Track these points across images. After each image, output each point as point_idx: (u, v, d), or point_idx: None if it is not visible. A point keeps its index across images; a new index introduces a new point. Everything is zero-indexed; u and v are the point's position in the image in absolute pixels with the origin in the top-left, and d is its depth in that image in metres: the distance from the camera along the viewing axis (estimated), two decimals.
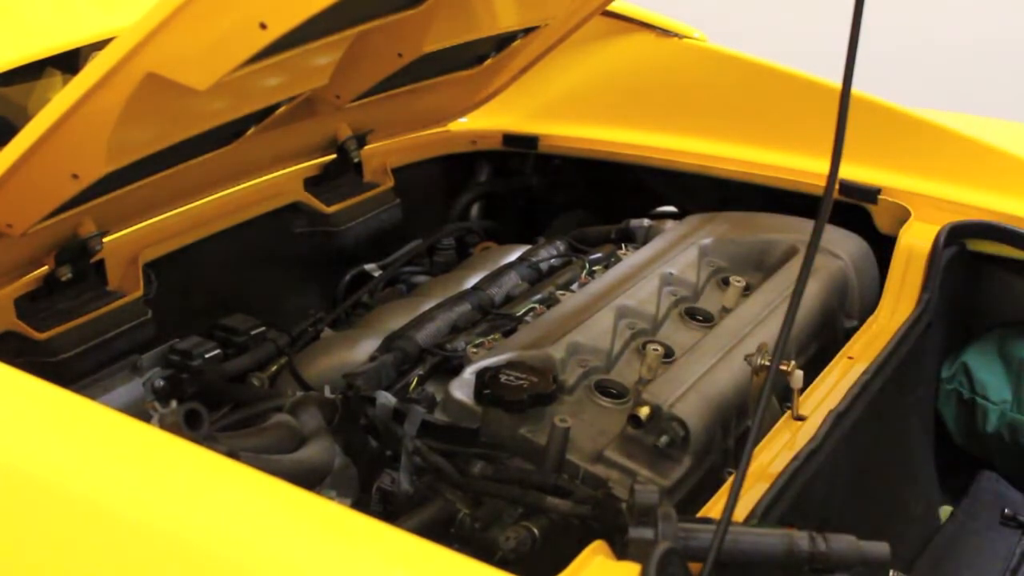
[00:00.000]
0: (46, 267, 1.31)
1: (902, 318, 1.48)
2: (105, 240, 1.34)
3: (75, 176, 1.16)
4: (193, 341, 1.43)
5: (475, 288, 1.60)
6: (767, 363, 1.25)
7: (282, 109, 1.43)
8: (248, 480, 0.89)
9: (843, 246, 1.61)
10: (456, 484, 1.17)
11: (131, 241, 1.42)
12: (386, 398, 1.26)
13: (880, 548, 0.95)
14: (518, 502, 1.12)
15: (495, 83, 1.84)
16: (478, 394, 1.24)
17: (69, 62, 1.57)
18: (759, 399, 1.12)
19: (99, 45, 1.43)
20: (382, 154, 1.80)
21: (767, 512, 1.06)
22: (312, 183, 1.69)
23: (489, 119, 1.97)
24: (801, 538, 0.93)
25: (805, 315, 1.47)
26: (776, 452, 1.19)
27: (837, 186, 1.03)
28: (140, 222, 1.44)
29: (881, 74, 1.95)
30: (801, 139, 1.76)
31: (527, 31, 1.69)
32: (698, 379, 1.28)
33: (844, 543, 0.94)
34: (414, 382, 1.36)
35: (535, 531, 1.08)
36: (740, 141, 1.84)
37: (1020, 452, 1.62)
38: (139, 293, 1.40)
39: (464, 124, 1.98)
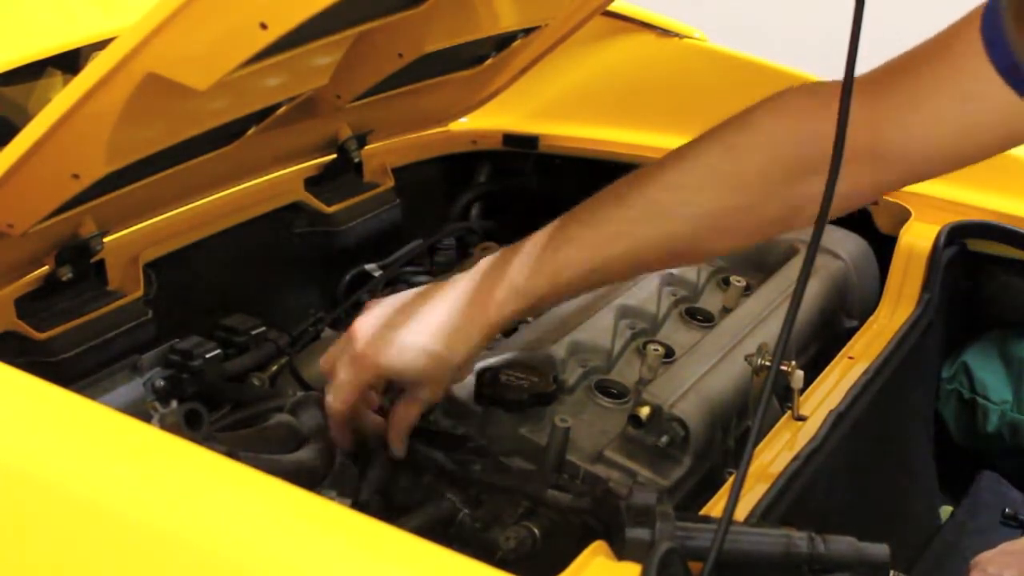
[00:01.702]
0: (46, 267, 1.30)
1: (902, 318, 1.48)
2: (105, 240, 1.34)
3: (75, 176, 1.16)
4: (193, 341, 1.42)
5: None
6: (767, 363, 1.25)
7: (282, 109, 1.43)
8: (248, 480, 0.89)
9: (843, 246, 1.61)
10: (453, 480, 1.17)
11: (131, 241, 1.42)
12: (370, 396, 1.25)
13: (880, 550, 0.95)
14: (517, 493, 1.12)
15: (495, 83, 1.84)
16: (478, 394, 1.24)
17: (69, 62, 1.57)
18: (759, 399, 1.12)
19: (99, 45, 1.43)
20: (382, 154, 1.80)
21: (767, 512, 1.06)
22: (312, 183, 1.69)
23: (489, 119, 1.97)
24: (800, 539, 0.93)
25: (805, 315, 1.47)
26: (776, 452, 1.19)
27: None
28: (140, 222, 1.44)
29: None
30: None
31: (527, 31, 1.69)
32: (698, 379, 1.28)
33: (844, 544, 0.94)
34: None
35: (535, 531, 1.08)
36: None
37: (1020, 452, 1.62)
38: (139, 293, 1.39)
39: (464, 124, 1.97)
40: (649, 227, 1.11)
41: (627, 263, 1.13)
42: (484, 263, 1.14)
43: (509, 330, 1.48)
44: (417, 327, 1.11)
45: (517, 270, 1.11)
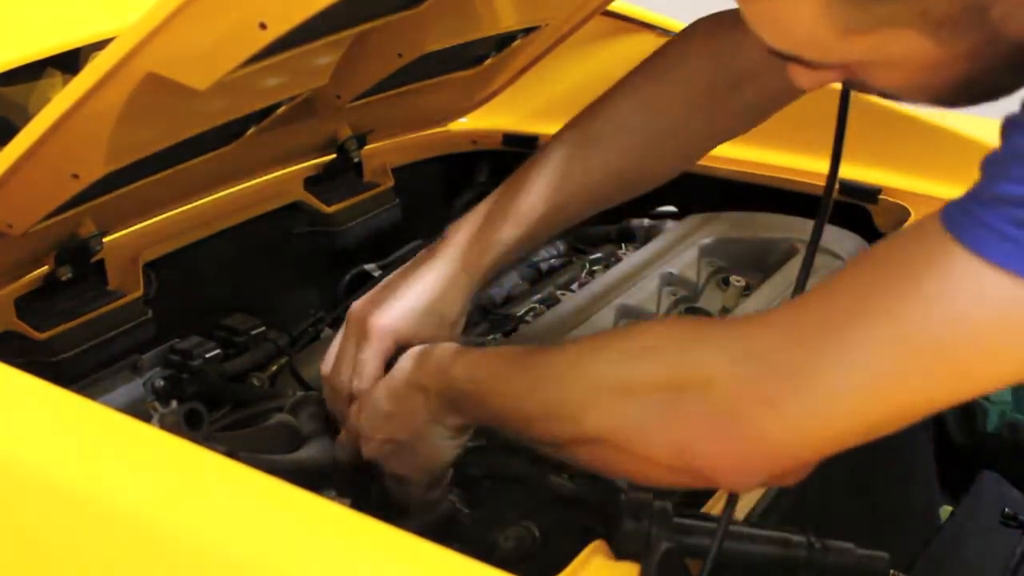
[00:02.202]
0: (46, 267, 1.31)
1: None
2: (105, 240, 1.34)
3: (75, 176, 1.16)
4: (193, 341, 1.42)
5: None
6: None
7: (282, 109, 1.43)
8: (248, 480, 0.89)
9: (843, 246, 1.61)
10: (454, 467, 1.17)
11: (131, 241, 1.42)
12: None
13: (879, 558, 0.95)
14: (521, 480, 1.12)
15: (495, 83, 1.84)
16: None
17: (69, 62, 1.57)
18: None
19: (99, 45, 1.43)
20: (382, 154, 1.80)
21: (767, 512, 1.06)
22: (312, 183, 1.69)
23: (489, 119, 1.97)
24: (799, 544, 0.93)
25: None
26: None
27: (837, 186, 1.03)
28: (140, 222, 1.44)
29: None
30: (801, 139, 1.76)
31: (527, 31, 1.69)
32: None
33: (843, 551, 0.94)
34: None
35: (535, 531, 1.08)
36: (740, 141, 1.82)
37: (1020, 452, 1.62)
38: (139, 293, 1.39)
39: (464, 124, 1.98)
40: (597, 158, 1.21)
41: (585, 197, 1.24)
42: (454, 227, 1.23)
43: (509, 330, 1.48)
44: (417, 292, 1.20)
45: (488, 224, 1.21)
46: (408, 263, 1.26)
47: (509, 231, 1.21)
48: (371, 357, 1.18)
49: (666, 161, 1.29)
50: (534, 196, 1.21)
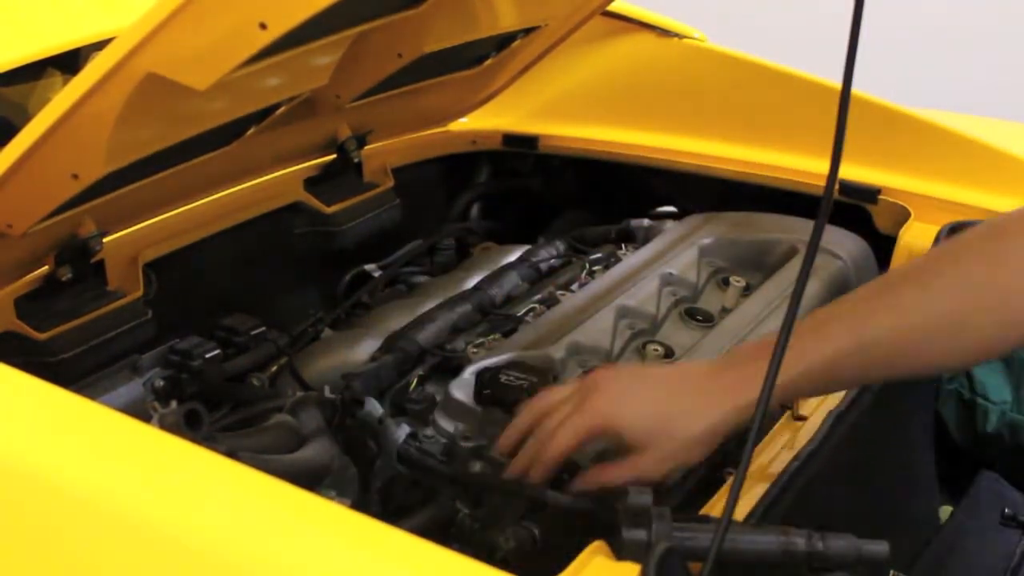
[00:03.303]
0: (46, 267, 1.31)
1: None
2: (105, 240, 1.34)
3: (75, 176, 1.16)
4: (193, 341, 1.42)
5: (475, 288, 1.60)
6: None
7: (282, 109, 1.43)
8: (248, 480, 0.89)
9: (843, 246, 1.61)
10: (452, 481, 1.17)
11: (131, 241, 1.42)
12: (373, 406, 1.25)
13: (879, 546, 0.95)
14: (517, 494, 1.12)
15: (495, 83, 1.84)
16: (478, 394, 1.24)
17: (69, 62, 1.58)
18: (759, 399, 1.11)
19: (99, 45, 1.43)
20: (382, 154, 1.80)
21: (767, 512, 1.06)
22: (312, 183, 1.69)
23: (489, 119, 1.97)
24: (799, 537, 0.93)
25: (805, 315, 1.47)
26: (776, 452, 1.19)
27: (837, 186, 1.03)
28: (140, 222, 1.44)
29: (880, 73, 1.94)
30: (801, 139, 1.76)
31: (527, 31, 1.69)
32: None
33: (843, 542, 0.94)
34: (414, 383, 1.35)
35: (535, 531, 1.08)
36: (740, 141, 1.83)
37: (1020, 452, 1.62)
38: (139, 293, 1.40)
39: (464, 124, 1.98)
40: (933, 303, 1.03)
41: (891, 344, 1.04)
42: (738, 349, 1.10)
43: (509, 330, 1.48)
44: (655, 392, 1.07)
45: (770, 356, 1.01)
46: (677, 365, 1.14)
47: (795, 369, 1.01)
48: (571, 431, 1.07)
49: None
50: (833, 330, 1.06)
